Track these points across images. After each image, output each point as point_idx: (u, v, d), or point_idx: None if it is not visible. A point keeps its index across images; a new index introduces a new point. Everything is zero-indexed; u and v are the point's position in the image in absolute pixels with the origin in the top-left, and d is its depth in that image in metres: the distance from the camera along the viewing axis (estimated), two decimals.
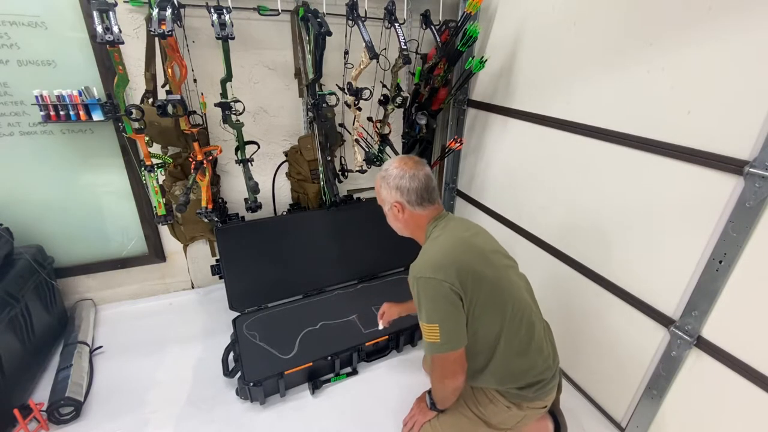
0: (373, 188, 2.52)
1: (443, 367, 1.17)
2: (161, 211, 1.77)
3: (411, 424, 1.38)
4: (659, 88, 1.23)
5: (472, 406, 1.29)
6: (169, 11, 1.40)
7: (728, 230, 1.09)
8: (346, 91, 1.91)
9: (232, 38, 1.54)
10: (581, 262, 1.59)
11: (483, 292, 1.11)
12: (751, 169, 1.03)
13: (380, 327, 1.64)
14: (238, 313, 1.94)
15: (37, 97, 1.55)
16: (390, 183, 1.22)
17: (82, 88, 1.61)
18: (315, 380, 1.67)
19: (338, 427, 1.53)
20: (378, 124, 2.08)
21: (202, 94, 1.78)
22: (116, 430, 1.48)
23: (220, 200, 2.05)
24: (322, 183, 2.12)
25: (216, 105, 1.67)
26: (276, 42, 1.96)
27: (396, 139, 2.33)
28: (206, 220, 1.85)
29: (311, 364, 1.64)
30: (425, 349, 1.17)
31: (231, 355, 1.74)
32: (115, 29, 1.35)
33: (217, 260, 2.07)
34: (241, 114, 1.73)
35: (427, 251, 1.17)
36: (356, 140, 2.06)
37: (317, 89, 1.91)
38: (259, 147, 1.99)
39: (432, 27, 1.91)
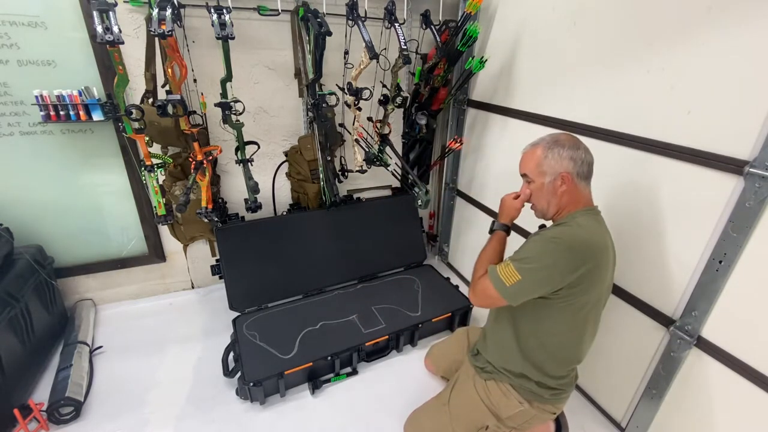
0: (373, 188, 2.52)
1: (482, 290, 1.17)
2: (161, 211, 1.77)
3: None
4: (659, 88, 1.23)
5: (484, 398, 1.30)
6: (169, 11, 1.40)
7: (728, 230, 1.09)
8: (346, 91, 1.90)
9: (232, 38, 1.54)
10: None
11: (581, 300, 1.11)
12: (751, 169, 1.03)
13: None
14: (238, 313, 1.94)
15: (37, 97, 1.56)
16: (563, 153, 1.14)
17: (82, 88, 1.61)
18: (315, 380, 1.67)
19: (338, 427, 1.53)
20: (378, 124, 2.08)
21: (202, 94, 1.78)
22: (116, 430, 1.48)
23: (220, 200, 2.05)
24: (322, 183, 2.12)
25: (216, 105, 1.67)
26: (276, 42, 1.96)
27: (396, 139, 2.33)
28: (206, 220, 1.85)
29: (311, 364, 1.64)
30: (490, 272, 1.16)
31: (231, 355, 1.74)
32: (115, 29, 1.35)
33: (217, 260, 2.06)
34: (241, 114, 1.73)
35: (580, 226, 1.11)
36: (356, 140, 2.06)
37: (317, 89, 1.91)
38: (259, 147, 1.99)
39: (432, 27, 1.91)
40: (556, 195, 1.18)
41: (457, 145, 2.07)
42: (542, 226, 1.32)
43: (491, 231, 1.36)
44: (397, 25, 1.76)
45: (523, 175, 1.23)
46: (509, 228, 1.36)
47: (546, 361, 1.21)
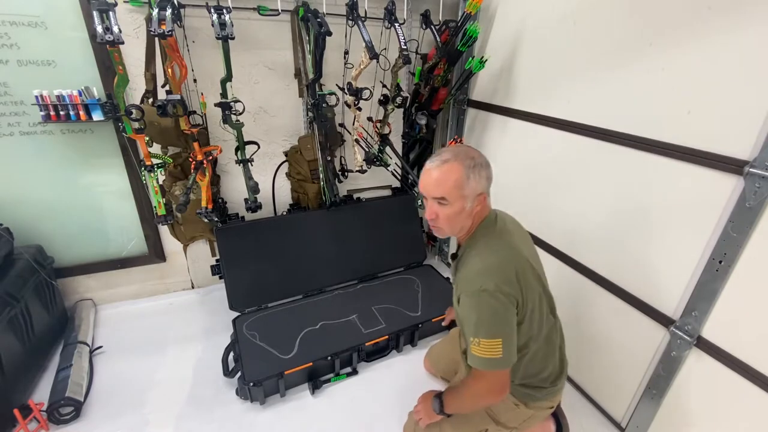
0: (373, 188, 2.52)
1: (494, 383, 1.08)
2: (161, 211, 1.77)
3: (417, 417, 1.33)
4: (659, 88, 1.23)
5: None
6: (169, 11, 1.40)
7: (728, 230, 1.09)
8: (346, 91, 1.91)
9: (232, 38, 1.54)
10: (581, 262, 1.59)
11: (532, 300, 1.10)
12: (751, 169, 1.03)
13: (444, 323, 1.83)
14: (238, 313, 1.94)
15: (37, 97, 1.56)
16: (482, 172, 1.08)
17: (82, 88, 1.61)
18: (315, 380, 1.67)
19: (338, 427, 1.53)
20: (378, 124, 2.08)
21: (202, 94, 1.78)
22: (116, 430, 1.48)
23: (220, 200, 2.05)
24: (322, 183, 2.12)
25: (216, 105, 1.67)
26: (276, 42, 1.96)
27: (396, 139, 2.33)
28: (206, 220, 1.85)
29: (311, 364, 1.64)
30: (479, 364, 1.05)
31: (231, 355, 1.74)
32: (115, 29, 1.35)
33: (217, 260, 2.06)
34: (241, 114, 1.73)
35: (485, 261, 1.07)
36: (356, 140, 2.06)
37: (317, 89, 1.91)
38: (259, 147, 1.99)
39: (432, 27, 1.91)
40: (470, 217, 1.11)
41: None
42: (453, 256, 1.25)
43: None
44: (397, 25, 1.76)
45: (439, 198, 1.07)
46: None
47: (525, 371, 1.21)
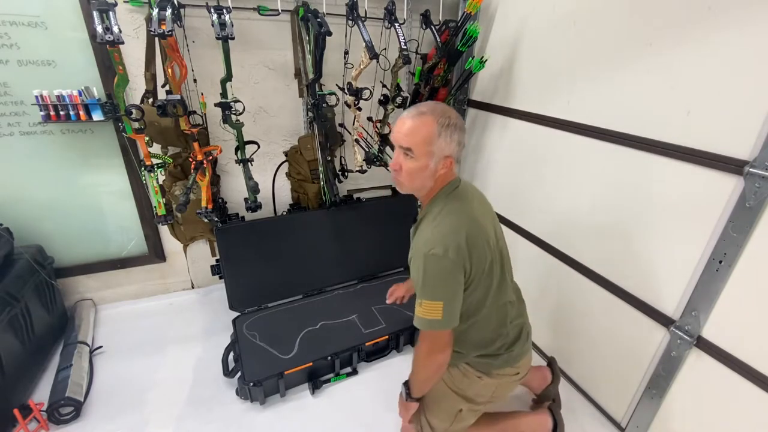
0: (373, 188, 2.52)
1: (434, 342, 1.14)
2: (161, 211, 1.77)
3: (401, 418, 1.36)
4: (659, 88, 1.23)
5: (449, 383, 1.29)
6: (169, 11, 1.40)
7: (728, 230, 1.09)
8: (346, 91, 1.91)
9: (232, 38, 1.54)
10: (581, 262, 1.59)
11: (481, 268, 1.11)
12: (751, 169, 1.03)
13: (388, 301, 1.78)
14: (238, 313, 1.94)
15: (37, 97, 1.55)
16: (454, 135, 1.05)
17: (82, 88, 1.61)
18: (315, 380, 1.67)
19: (338, 427, 1.53)
20: (378, 124, 2.08)
21: (202, 94, 1.78)
22: (116, 430, 1.48)
23: (220, 200, 2.05)
24: (322, 183, 2.12)
25: (216, 105, 1.67)
26: (276, 42, 1.96)
27: None
28: (206, 220, 1.85)
29: (311, 364, 1.64)
30: (419, 324, 1.10)
31: (231, 355, 1.74)
32: (115, 29, 1.35)
33: (217, 260, 2.06)
34: (241, 114, 1.73)
35: (438, 225, 1.08)
36: (356, 140, 2.06)
37: (317, 89, 1.91)
38: (259, 147, 1.99)
39: (432, 27, 1.91)
40: (432, 178, 1.09)
41: None
42: (413, 220, 1.26)
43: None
44: (397, 25, 1.76)
45: (406, 149, 1.05)
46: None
47: (478, 339, 1.22)
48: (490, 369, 1.24)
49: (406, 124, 1.05)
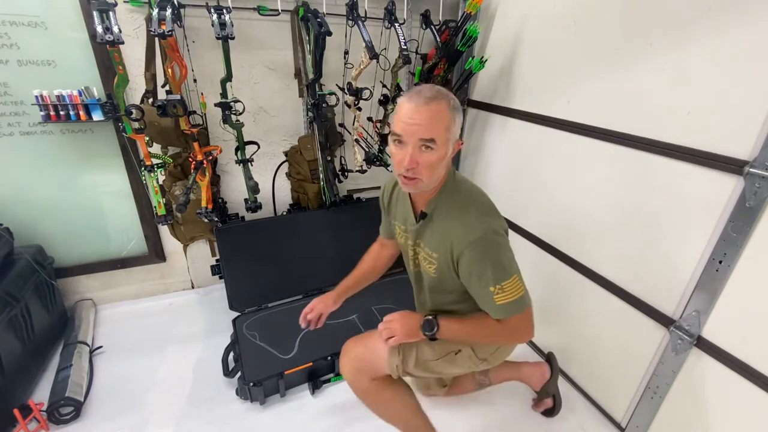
0: (373, 188, 2.52)
1: (527, 323, 1.04)
2: (161, 211, 1.77)
3: (387, 334, 1.11)
4: (659, 88, 1.23)
5: None
6: (169, 11, 1.40)
7: (728, 230, 1.09)
8: (346, 91, 1.91)
9: (232, 38, 1.54)
10: (581, 262, 1.59)
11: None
12: (751, 169, 1.03)
13: (302, 325, 1.35)
14: (238, 313, 1.94)
15: (37, 97, 1.55)
16: (459, 116, 0.98)
17: (82, 88, 1.61)
18: (315, 380, 1.67)
19: (338, 427, 1.53)
20: (378, 124, 2.08)
21: (202, 94, 1.78)
22: (116, 430, 1.48)
23: (220, 200, 2.05)
24: (322, 183, 2.12)
25: (216, 105, 1.67)
26: (276, 42, 1.96)
27: None
28: (206, 220, 1.85)
29: (311, 364, 1.64)
30: (509, 311, 0.99)
31: (231, 355, 1.74)
32: (115, 29, 1.35)
33: (217, 260, 2.07)
34: (241, 114, 1.73)
35: (472, 204, 1.03)
36: (356, 140, 2.06)
37: (317, 89, 1.91)
38: (259, 147, 1.99)
39: (432, 27, 1.91)
40: (447, 166, 1.03)
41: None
42: (422, 215, 1.09)
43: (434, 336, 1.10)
44: (397, 25, 1.76)
45: (427, 140, 0.92)
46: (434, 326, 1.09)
47: None
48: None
49: (421, 114, 0.92)
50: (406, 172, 0.96)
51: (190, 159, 1.72)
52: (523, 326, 1.05)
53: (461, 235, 0.99)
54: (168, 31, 1.37)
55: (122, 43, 1.37)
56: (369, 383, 1.19)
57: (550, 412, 1.56)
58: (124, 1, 1.62)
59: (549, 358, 1.57)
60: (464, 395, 1.60)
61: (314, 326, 1.36)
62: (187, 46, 1.75)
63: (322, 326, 1.37)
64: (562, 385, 1.71)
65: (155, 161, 1.69)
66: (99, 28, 1.33)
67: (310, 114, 2.01)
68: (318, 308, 1.35)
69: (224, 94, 1.68)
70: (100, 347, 1.83)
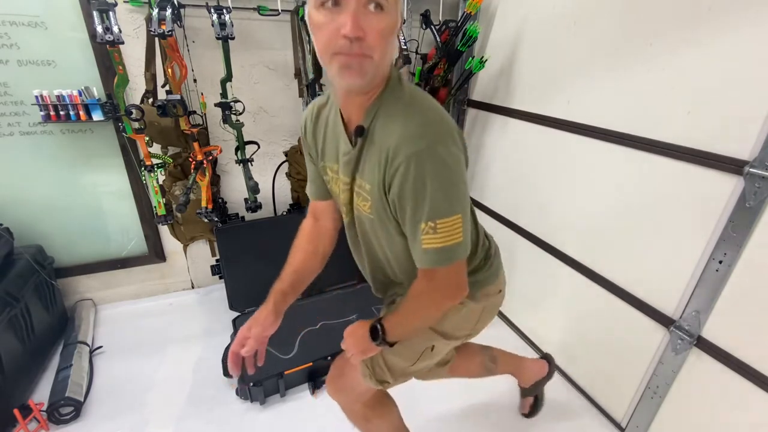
0: None
1: (452, 281, 0.82)
2: (161, 211, 1.77)
3: (348, 353, 0.99)
4: (659, 88, 1.22)
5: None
6: (169, 11, 1.40)
7: (728, 230, 1.09)
8: None
9: (232, 38, 1.54)
10: (581, 262, 1.59)
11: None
12: (751, 169, 1.03)
13: (234, 376, 1.05)
14: (238, 313, 1.94)
15: (37, 97, 1.56)
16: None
17: (82, 88, 1.61)
18: (315, 380, 1.67)
19: (338, 427, 1.53)
20: None
21: (202, 94, 1.78)
22: (116, 430, 1.48)
23: (220, 200, 2.05)
24: None
25: (216, 105, 1.67)
26: (276, 42, 1.96)
27: None
28: (206, 220, 1.85)
29: (311, 364, 1.65)
30: (435, 260, 0.76)
31: None
32: (115, 29, 1.35)
33: (217, 260, 2.07)
34: (241, 114, 1.73)
35: (421, 112, 0.74)
36: None
37: (317, 89, 1.91)
38: (259, 147, 1.99)
39: (432, 27, 1.91)
40: (390, 59, 0.75)
41: None
42: (359, 131, 0.79)
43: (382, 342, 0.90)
44: None
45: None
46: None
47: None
48: (475, 290, 0.95)
49: None
50: (347, 47, 0.65)
51: (190, 159, 1.72)
52: (448, 283, 0.82)
53: (398, 144, 0.71)
54: (168, 31, 1.37)
55: (122, 43, 1.38)
56: (361, 407, 1.12)
57: (530, 413, 1.55)
58: (124, 1, 1.62)
59: (548, 359, 1.55)
60: (470, 379, 1.48)
61: (251, 370, 0.98)
62: (187, 46, 1.76)
63: (263, 363, 1.02)
64: (562, 384, 1.71)
65: (155, 161, 1.69)
66: (99, 28, 1.33)
67: None
68: (254, 339, 0.96)
69: (224, 94, 1.68)
70: (100, 347, 1.83)
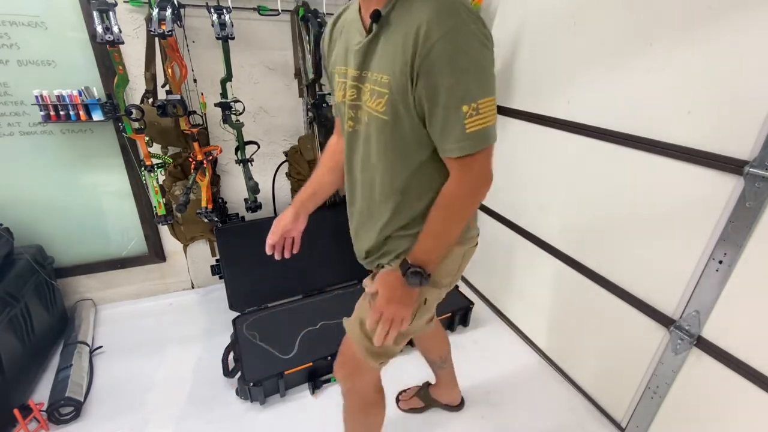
0: None
1: (489, 163, 0.79)
2: (161, 211, 1.77)
3: (393, 327, 0.91)
4: (659, 88, 1.22)
5: None
6: (169, 11, 1.40)
7: (728, 230, 1.09)
8: None
9: (232, 38, 1.54)
10: (581, 262, 1.59)
11: None
12: (751, 169, 1.03)
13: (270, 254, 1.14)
14: (238, 313, 1.94)
15: (37, 97, 1.56)
16: None
17: (82, 88, 1.61)
18: (315, 380, 1.67)
19: (338, 427, 1.52)
20: None
21: (202, 94, 1.78)
22: (116, 430, 1.48)
23: (220, 200, 2.05)
24: None
25: (216, 105, 1.67)
26: (276, 42, 1.96)
27: None
28: (206, 220, 1.85)
29: (311, 364, 1.64)
30: (476, 144, 0.73)
31: (231, 355, 1.74)
32: (115, 29, 1.36)
33: (217, 260, 2.07)
34: (241, 114, 1.73)
35: None
36: None
37: (317, 89, 1.91)
38: (259, 147, 1.99)
39: None
40: None
41: None
42: (375, 16, 0.75)
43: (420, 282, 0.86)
44: None
45: None
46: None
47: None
48: (462, 232, 0.91)
49: None
50: None
51: (190, 159, 1.72)
52: (486, 168, 0.80)
53: (432, 19, 0.67)
54: (168, 31, 1.37)
55: (122, 43, 1.38)
56: (372, 391, 1.14)
57: (410, 410, 1.58)
58: (124, 1, 1.62)
59: (462, 401, 1.59)
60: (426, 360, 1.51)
61: (286, 253, 1.15)
62: (187, 46, 1.76)
63: (298, 250, 1.16)
64: (562, 384, 1.72)
65: (155, 161, 1.69)
66: (99, 28, 1.33)
67: (310, 114, 2.01)
68: (277, 231, 1.11)
69: (224, 94, 1.68)
70: (100, 347, 1.83)
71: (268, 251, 1.12)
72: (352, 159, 0.94)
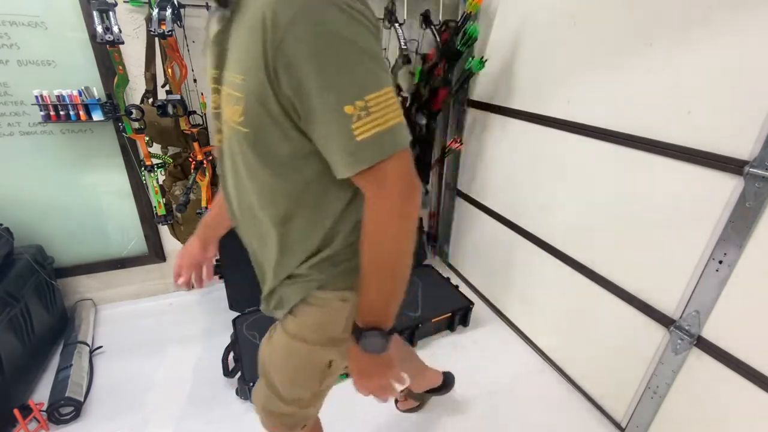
0: None
1: (407, 172, 0.60)
2: (161, 211, 1.77)
3: (384, 397, 0.77)
4: (659, 88, 1.23)
5: (308, 333, 0.77)
6: (169, 11, 1.40)
7: (728, 230, 1.09)
8: None
9: None
10: (581, 262, 1.59)
11: None
12: (751, 169, 1.03)
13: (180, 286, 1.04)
14: (238, 313, 1.94)
15: (37, 97, 1.55)
16: None
17: (82, 88, 1.61)
18: None
19: (338, 427, 1.52)
20: None
21: (202, 94, 1.78)
22: (116, 430, 1.48)
23: None
24: None
25: None
26: None
27: None
28: None
29: None
30: (376, 152, 0.56)
31: (231, 355, 1.73)
32: (115, 29, 1.36)
33: (217, 260, 2.06)
34: None
35: None
36: None
37: None
38: None
39: (432, 27, 1.91)
40: None
41: (457, 145, 2.06)
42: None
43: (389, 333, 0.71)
44: (397, 25, 1.76)
45: None
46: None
47: (355, 219, 0.71)
48: (354, 274, 0.71)
49: None
50: None
51: (190, 159, 1.72)
52: (402, 179, 0.59)
53: (281, 3, 0.51)
54: (168, 31, 1.37)
55: (122, 43, 1.37)
56: None
57: (415, 410, 1.58)
58: (124, 1, 1.62)
59: (448, 377, 1.54)
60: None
61: (197, 284, 1.04)
62: (187, 46, 1.75)
63: (209, 280, 1.04)
64: (562, 384, 1.71)
65: (155, 161, 1.69)
66: (99, 28, 1.33)
67: None
68: (186, 268, 1.01)
69: None
70: (100, 347, 1.83)
71: (177, 283, 0.99)
72: (225, 182, 0.77)
